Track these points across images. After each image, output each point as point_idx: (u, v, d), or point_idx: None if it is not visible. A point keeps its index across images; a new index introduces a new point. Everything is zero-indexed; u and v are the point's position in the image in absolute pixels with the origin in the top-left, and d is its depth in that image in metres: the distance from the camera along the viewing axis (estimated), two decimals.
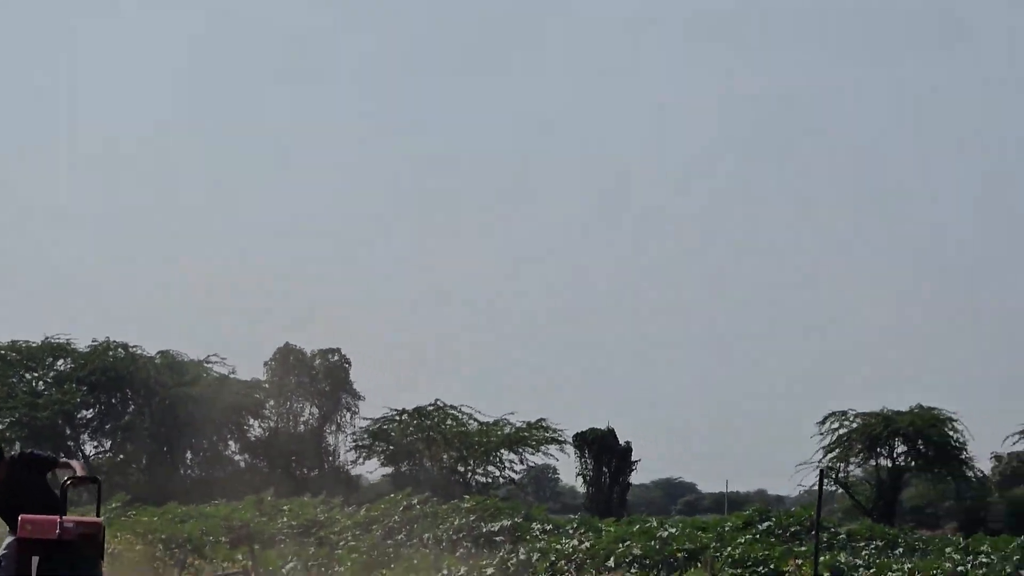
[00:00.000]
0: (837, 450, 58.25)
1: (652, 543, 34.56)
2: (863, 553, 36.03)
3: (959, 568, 33.73)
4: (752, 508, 41.93)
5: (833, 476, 53.96)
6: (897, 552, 37.02)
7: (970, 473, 58.25)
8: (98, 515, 10.86)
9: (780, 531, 38.31)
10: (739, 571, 32.64)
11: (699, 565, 32.83)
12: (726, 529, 37.72)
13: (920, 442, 57.11)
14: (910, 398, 58.26)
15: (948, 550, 36.83)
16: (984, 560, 35.29)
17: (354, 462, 60.78)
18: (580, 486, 63.35)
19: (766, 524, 38.41)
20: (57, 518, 9.87)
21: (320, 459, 58.94)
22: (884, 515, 50.39)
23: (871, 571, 33.07)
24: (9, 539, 10.56)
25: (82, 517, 10.53)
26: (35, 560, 10.02)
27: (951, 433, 56.90)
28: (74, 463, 11.22)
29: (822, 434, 58.58)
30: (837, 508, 51.29)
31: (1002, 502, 55.50)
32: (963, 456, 57.06)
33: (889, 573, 32.38)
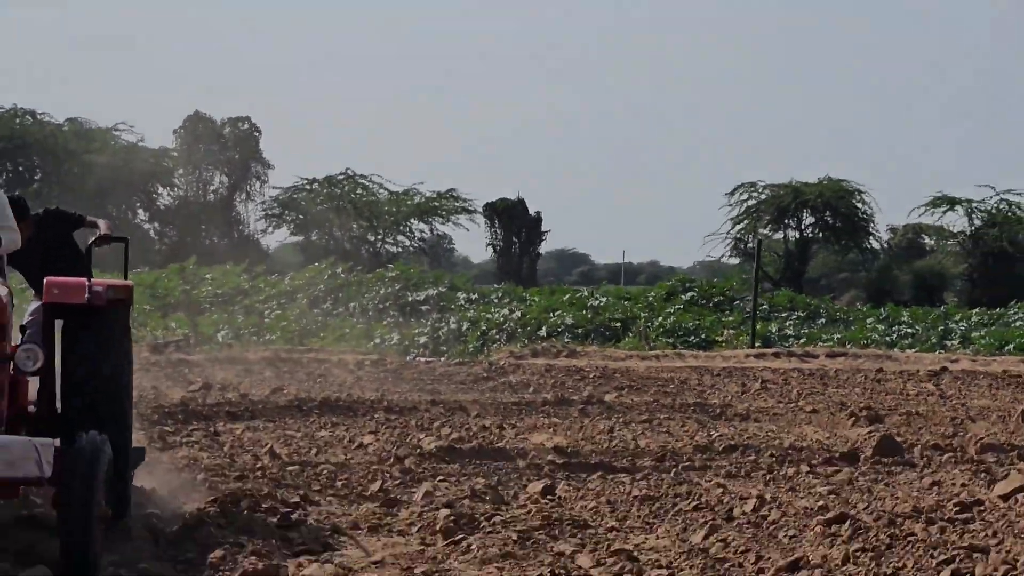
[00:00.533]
0: (745, 221, 58.50)
1: (584, 312, 34.39)
2: (787, 323, 36.32)
3: (886, 338, 34.18)
4: (675, 279, 41.89)
5: (750, 247, 54.04)
6: (820, 323, 37.43)
7: (876, 245, 59.11)
8: (125, 278, 9.82)
9: (704, 301, 38.41)
10: (671, 340, 32.67)
11: (631, 335, 32.76)
12: (650, 299, 37.67)
13: (828, 213, 57.58)
14: (819, 170, 58.34)
15: (870, 321, 37.30)
16: (908, 331, 35.90)
17: (264, 231, 60.07)
18: (491, 257, 63.09)
19: (689, 295, 38.46)
20: (85, 281, 8.93)
21: (230, 228, 57.84)
22: (791, 287, 50.67)
23: (801, 341, 33.33)
24: (34, 304, 9.67)
25: (111, 280, 9.48)
26: (59, 325, 9.23)
27: (859, 205, 57.35)
28: (100, 222, 10.43)
29: (731, 205, 58.76)
30: (744, 280, 51.35)
31: (907, 274, 56.27)
32: (870, 228, 57.78)
33: (819, 343, 32.66)
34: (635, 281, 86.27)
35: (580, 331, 32.93)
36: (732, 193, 58.81)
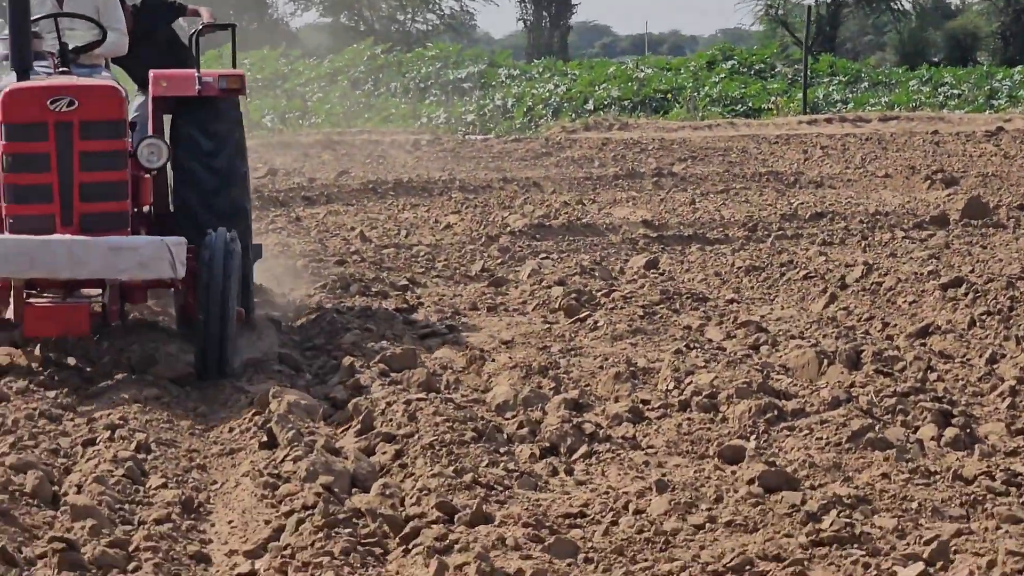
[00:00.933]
0: None
1: (630, 84, 33.84)
2: (831, 89, 35.72)
3: (932, 99, 33.62)
4: (714, 47, 41.00)
5: (780, 12, 52.93)
6: (863, 87, 36.78)
7: (908, 5, 57.58)
8: (234, 66, 9.26)
9: (745, 70, 37.72)
10: (720, 109, 32.20)
11: (679, 106, 32.30)
12: (692, 68, 36.98)
13: None
14: None
15: (912, 83, 36.61)
16: (954, 91, 35.23)
17: (293, 14, 58.97)
18: (513, 32, 62.06)
19: (731, 63, 37.72)
20: (193, 72, 8.50)
21: (260, 13, 56.75)
22: (824, 52, 49.66)
23: (849, 106, 32.81)
24: (140, 99, 9.21)
25: (220, 69, 8.90)
26: (168, 120, 8.75)
27: None
28: (203, 9, 9.80)
29: None
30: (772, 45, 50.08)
31: (939, 34, 54.96)
32: None
33: (868, 108, 32.16)
34: (658, 51, 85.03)
35: (627, 103, 32.49)
36: None
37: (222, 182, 8.40)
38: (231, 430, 6.75)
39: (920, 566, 4.59)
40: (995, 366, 7.64)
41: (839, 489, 5.34)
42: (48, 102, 7.55)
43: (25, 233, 7.52)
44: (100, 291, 7.88)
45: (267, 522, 5.19)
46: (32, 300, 7.68)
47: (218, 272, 7.47)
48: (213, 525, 5.45)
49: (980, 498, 5.34)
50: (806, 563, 4.66)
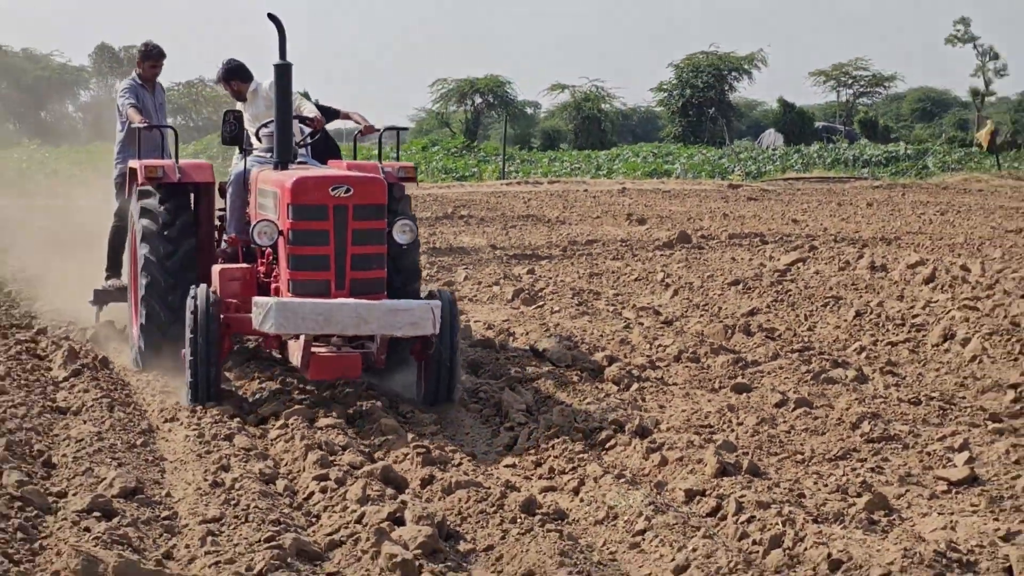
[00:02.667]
0: None
1: None
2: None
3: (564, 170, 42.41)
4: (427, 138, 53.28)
5: None
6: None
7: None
8: (397, 158, 10.64)
9: (454, 151, 51.89)
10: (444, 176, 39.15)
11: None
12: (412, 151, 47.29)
13: None
14: None
15: (545, 160, 47.17)
16: (575, 165, 46.10)
17: None
18: None
19: (436, 147, 50.94)
20: (376, 163, 9.87)
21: None
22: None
23: (519, 174, 40.09)
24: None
25: (396, 162, 10.37)
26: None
27: None
28: (355, 114, 11.45)
29: None
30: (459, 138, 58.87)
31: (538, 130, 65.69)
32: None
33: (533, 175, 39.87)
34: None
35: None
36: None
37: (407, 248, 9.39)
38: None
39: None
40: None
41: None
42: (330, 189, 8.54)
43: (306, 295, 8.41)
44: (368, 342, 8.64)
45: None
46: (316, 350, 8.44)
47: (446, 319, 8.53)
48: None
49: None
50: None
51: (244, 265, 9.45)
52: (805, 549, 5.69)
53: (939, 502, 6.57)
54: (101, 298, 11.99)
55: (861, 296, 13.87)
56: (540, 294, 14.21)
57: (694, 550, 5.63)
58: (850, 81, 70.74)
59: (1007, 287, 13.72)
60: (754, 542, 5.92)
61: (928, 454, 7.47)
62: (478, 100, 68.51)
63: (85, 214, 15.72)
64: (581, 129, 65.39)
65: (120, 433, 7.76)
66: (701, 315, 12.83)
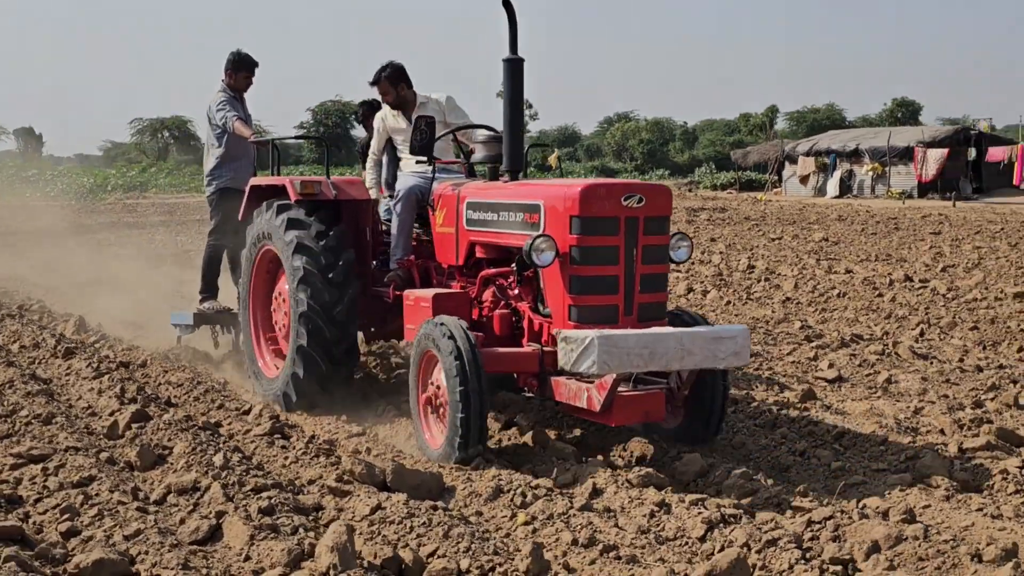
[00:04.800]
0: None
1: None
2: None
3: None
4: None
5: None
6: None
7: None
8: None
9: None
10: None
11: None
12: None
13: None
14: None
15: None
16: None
17: None
18: None
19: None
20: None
21: None
22: None
23: None
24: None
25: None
26: None
27: None
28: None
29: None
30: None
31: None
32: None
33: None
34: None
35: None
36: None
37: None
38: None
39: None
40: None
41: None
42: (622, 198, 7.25)
43: (590, 323, 7.18)
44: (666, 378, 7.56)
45: None
46: (621, 389, 7.12)
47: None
48: None
49: None
50: None
51: (459, 290, 8.38)
52: None
53: None
54: (200, 321, 11.54)
55: None
56: None
57: None
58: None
59: None
60: None
61: None
62: (166, 134, 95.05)
63: None
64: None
65: None
66: None
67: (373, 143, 10.16)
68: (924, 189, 47.34)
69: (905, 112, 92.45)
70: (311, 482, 6.90)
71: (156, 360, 11.20)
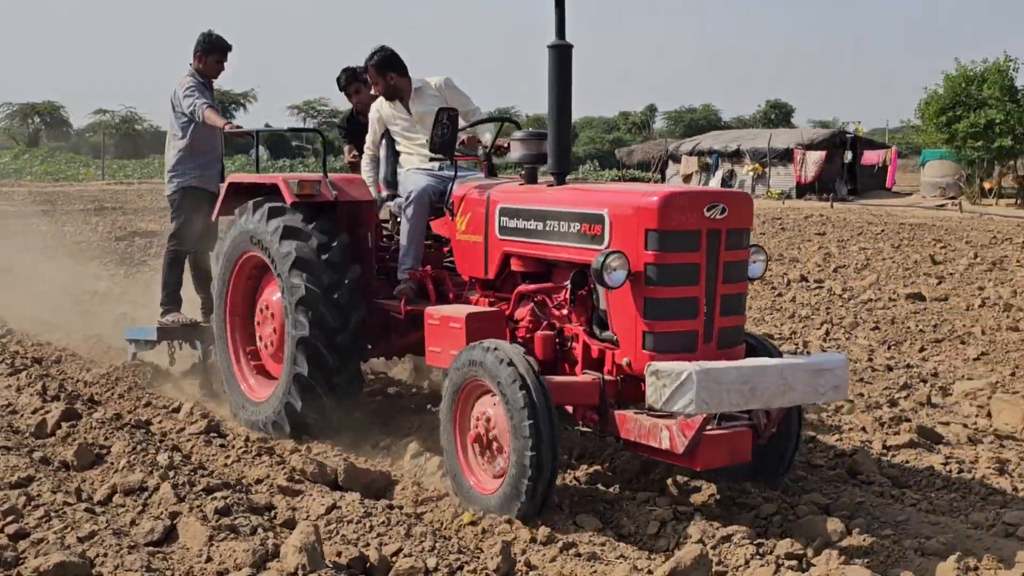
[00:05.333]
0: None
1: None
2: None
3: None
4: None
5: None
6: None
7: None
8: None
9: None
10: None
11: None
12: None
13: None
14: None
15: None
16: None
17: None
18: None
19: None
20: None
21: None
22: None
23: None
24: None
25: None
26: None
27: None
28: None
29: None
30: None
31: None
32: None
33: None
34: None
35: None
36: None
37: None
38: None
39: None
40: None
41: None
42: (704, 209, 6.23)
43: (666, 352, 6.20)
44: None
45: None
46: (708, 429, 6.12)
47: None
48: None
49: None
50: None
51: (492, 308, 7.28)
52: None
53: None
54: (164, 336, 10.19)
55: None
56: None
57: None
58: (315, 113, 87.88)
59: None
60: None
61: None
62: (37, 120, 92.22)
63: None
64: (120, 143, 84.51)
65: None
66: None
67: (369, 137, 8.97)
68: (802, 190, 48.34)
69: (778, 114, 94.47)
70: (259, 481, 6.87)
71: (68, 356, 10.96)
